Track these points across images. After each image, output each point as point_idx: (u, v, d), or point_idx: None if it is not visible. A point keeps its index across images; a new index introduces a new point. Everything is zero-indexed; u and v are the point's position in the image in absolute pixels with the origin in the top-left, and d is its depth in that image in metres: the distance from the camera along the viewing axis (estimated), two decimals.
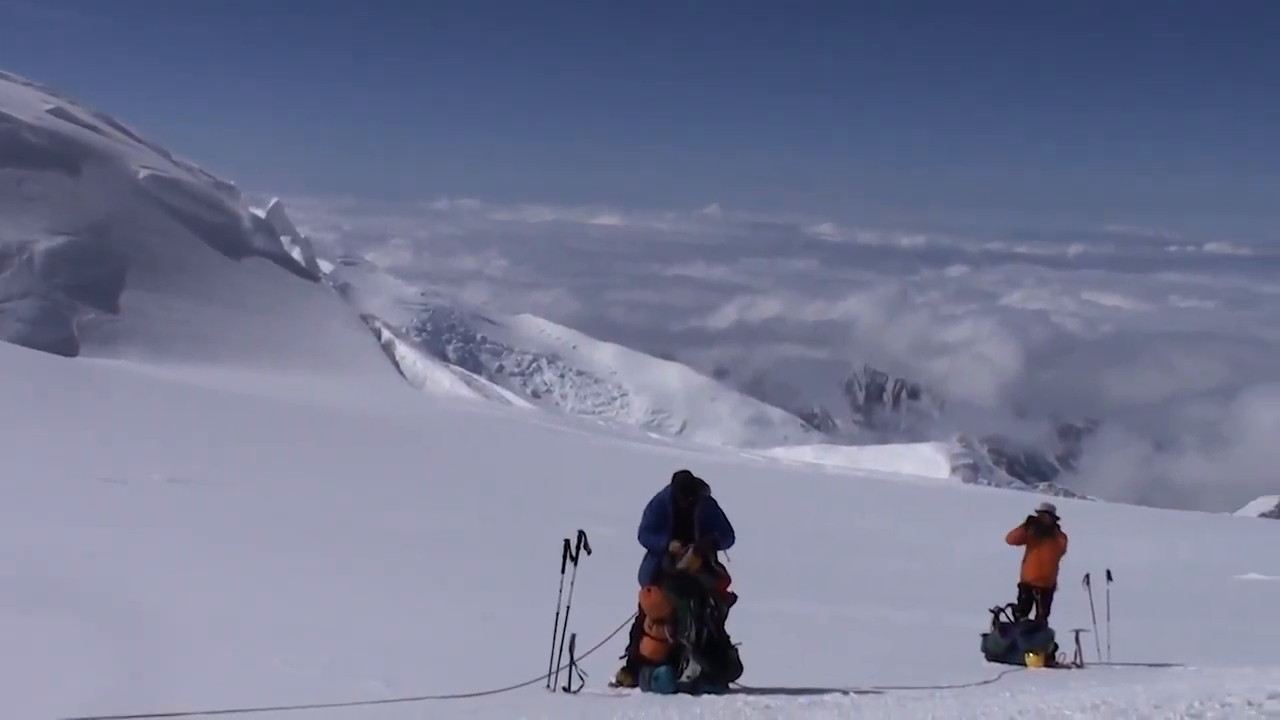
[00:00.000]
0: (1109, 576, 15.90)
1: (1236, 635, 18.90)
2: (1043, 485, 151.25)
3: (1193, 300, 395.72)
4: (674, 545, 10.15)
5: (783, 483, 53.45)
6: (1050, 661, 14.36)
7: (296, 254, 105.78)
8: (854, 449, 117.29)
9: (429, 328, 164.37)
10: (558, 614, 9.96)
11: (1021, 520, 15.28)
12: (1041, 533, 14.92)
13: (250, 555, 17.34)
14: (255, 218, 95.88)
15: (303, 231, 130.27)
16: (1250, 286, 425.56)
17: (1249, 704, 8.60)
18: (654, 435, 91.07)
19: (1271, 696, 8.97)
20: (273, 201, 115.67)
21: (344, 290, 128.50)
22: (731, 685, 10.01)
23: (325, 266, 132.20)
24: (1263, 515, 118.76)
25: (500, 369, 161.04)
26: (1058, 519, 15.11)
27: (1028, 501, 26.43)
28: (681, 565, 10.07)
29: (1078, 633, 14.83)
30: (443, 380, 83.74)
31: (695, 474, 10.55)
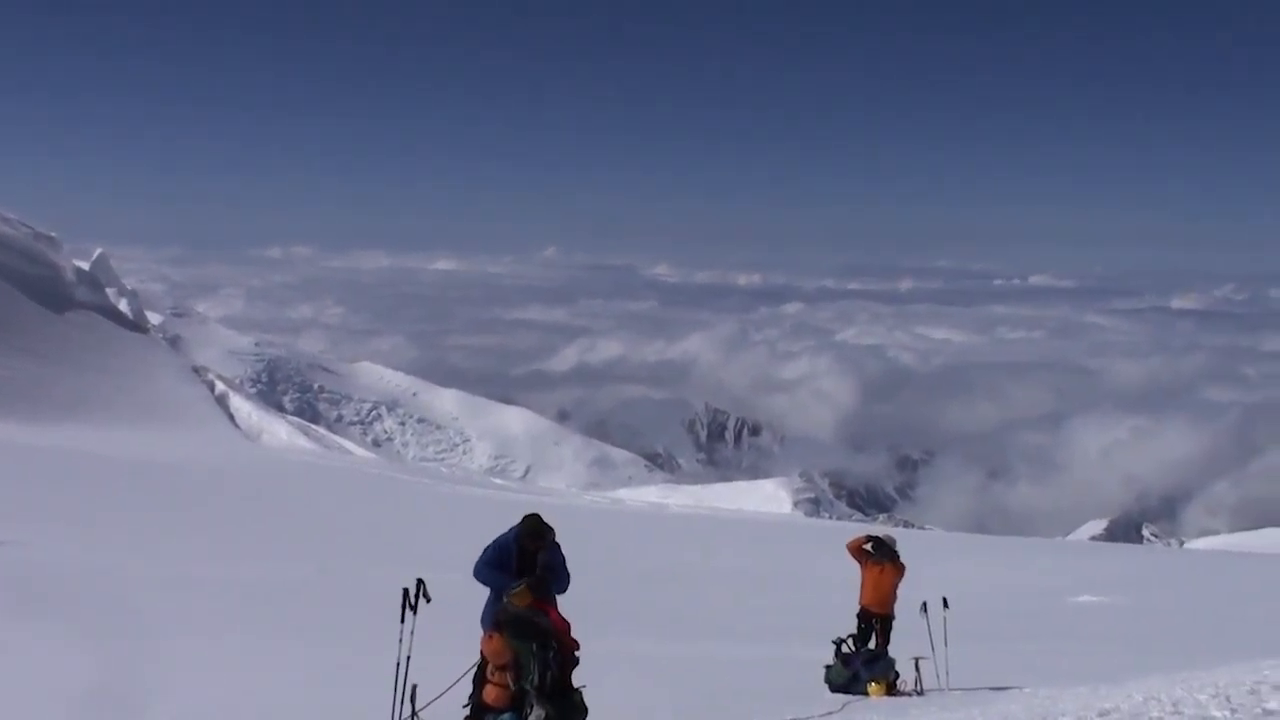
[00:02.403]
0: (945, 604, 16.23)
1: (1070, 656, 19.40)
2: (882, 516, 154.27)
3: (1020, 331, 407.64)
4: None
5: (627, 523, 53.53)
6: (892, 690, 14.54)
7: (123, 306, 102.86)
8: (698, 487, 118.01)
9: (264, 378, 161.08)
10: (398, 664, 9.78)
11: (864, 535, 15.53)
12: (881, 555, 15.14)
13: (77, 617, 16.69)
14: (79, 269, 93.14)
15: (129, 283, 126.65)
16: (1073, 317, 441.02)
17: None
18: (498, 480, 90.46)
19: (1101, 714, 9.24)
20: (97, 253, 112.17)
21: (174, 342, 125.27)
22: None
23: (154, 318, 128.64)
24: (1093, 538, 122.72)
25: (339, 418, 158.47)
26: (895, 551, 15.36)
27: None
28: (511, 594, 10.02)
29: (917, 660, 15.08)
30: (280, 431, 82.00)
31: (544, 519, 10.50)
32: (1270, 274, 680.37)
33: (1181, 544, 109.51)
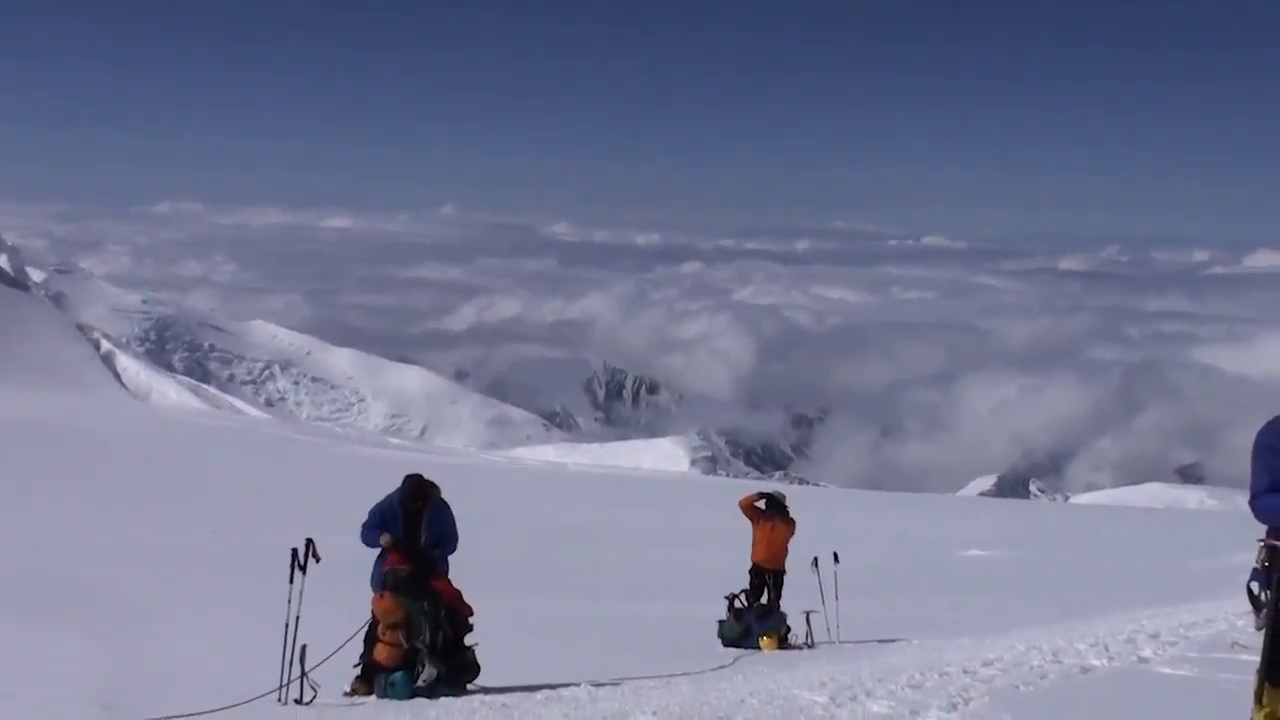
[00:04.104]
0: (836, 559, 16.49)
1: (957, 609, 19.80)
2: (778, 474, 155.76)
3: (913, 292, 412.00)
4: (384, 538, 10.16)
5: (525, 482, 53.54)
6: (783, 643, 14.71)
7: (3, 262, 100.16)
8: (596, 446, 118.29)
9: (152, 337, 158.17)
10: (287, 625, 9.68)
11: (756, 493, 15.66)
12: (773, 511, 15.27)
13: None
14: None
15: (9, 239, 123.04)
16: (965, 278, 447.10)
17: (965, 672, 9.03)
18: (394, 440, 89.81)
19: (985, 664, 9.47)
20: None
21: (57, 300, 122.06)
22: (469, 686, 9.94)
23: (36, 275, 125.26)
24: (982, 494, 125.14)
25: (231, 378, 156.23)
26: (785, 507, 15.51)
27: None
28: (383, 544, 10.06)
29: (808, 614, 15.30)
30: (169, 391, 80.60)
31: (428, 477, 10.46)
32: (1153, 236, 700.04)
33: (1066, 499, 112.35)
